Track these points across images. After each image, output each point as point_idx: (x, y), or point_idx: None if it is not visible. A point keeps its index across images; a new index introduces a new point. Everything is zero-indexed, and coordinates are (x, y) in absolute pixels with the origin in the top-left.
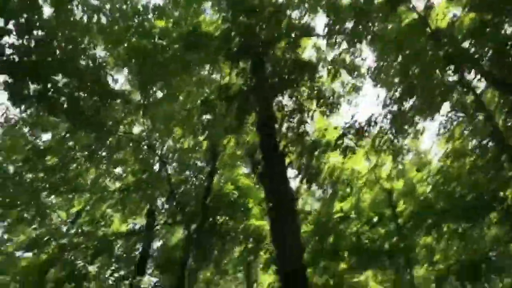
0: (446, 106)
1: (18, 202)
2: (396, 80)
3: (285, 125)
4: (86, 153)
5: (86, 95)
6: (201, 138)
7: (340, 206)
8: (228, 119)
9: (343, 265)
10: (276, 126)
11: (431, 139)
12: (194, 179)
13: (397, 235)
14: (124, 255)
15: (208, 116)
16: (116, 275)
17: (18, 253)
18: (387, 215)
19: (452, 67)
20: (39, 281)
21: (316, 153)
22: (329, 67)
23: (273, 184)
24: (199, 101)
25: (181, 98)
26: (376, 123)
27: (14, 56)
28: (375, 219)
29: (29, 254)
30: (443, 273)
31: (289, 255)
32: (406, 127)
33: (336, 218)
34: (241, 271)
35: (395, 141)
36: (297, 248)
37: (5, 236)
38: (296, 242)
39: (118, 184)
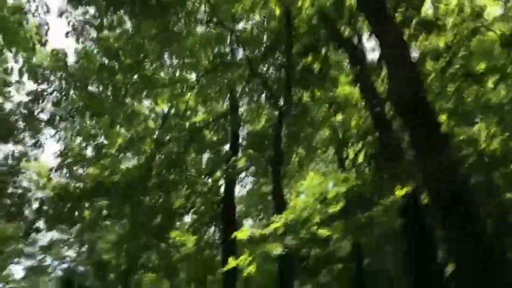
0: None
1: (105, 109)
2: None
3: None
4: (157, 45)
5: None
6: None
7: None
8: None
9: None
10: None
11: None
12: (272, 56)
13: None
14: (214, 142)
15: None
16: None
17: (121, 155)
18: (497, 65)
19: None
20: (145, 178)
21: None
22: None
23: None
24: None
25: None
26: None
27: None
28: (481, 70)
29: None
30: None
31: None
32: None
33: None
34: (330, 150)
35: None
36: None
37: (105, 142)
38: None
39: (195, 74)
